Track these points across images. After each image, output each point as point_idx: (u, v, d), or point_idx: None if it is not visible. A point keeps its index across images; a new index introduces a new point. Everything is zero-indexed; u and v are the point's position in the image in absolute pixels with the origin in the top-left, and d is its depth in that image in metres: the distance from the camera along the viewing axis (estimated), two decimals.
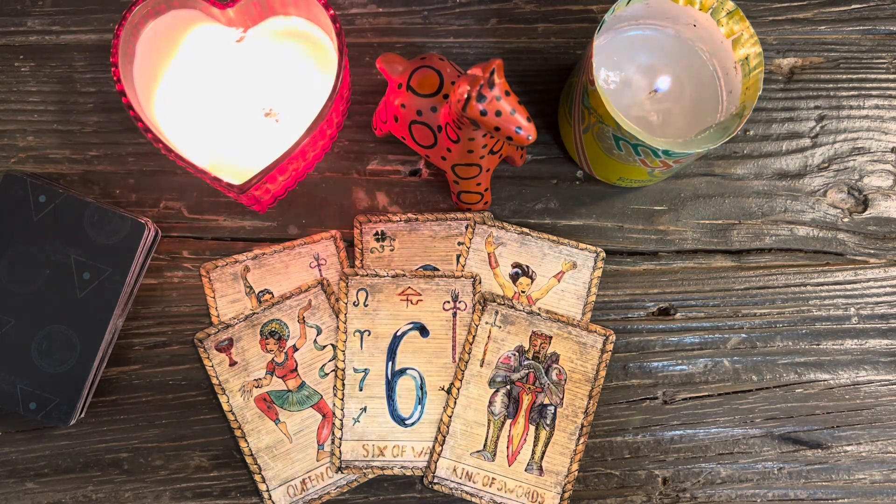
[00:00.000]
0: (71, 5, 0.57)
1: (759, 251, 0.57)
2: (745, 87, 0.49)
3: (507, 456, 0.53)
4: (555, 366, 0.54)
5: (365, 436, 0.53)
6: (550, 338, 0.54)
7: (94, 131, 0.55)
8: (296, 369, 0.53)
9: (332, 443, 0.53)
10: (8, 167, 0.55)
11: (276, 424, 0.53)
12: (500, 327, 0.54)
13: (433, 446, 0.53)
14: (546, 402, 0.53)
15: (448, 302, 0.54)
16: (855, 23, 0.59)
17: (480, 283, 0.54)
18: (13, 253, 0.51)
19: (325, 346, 0.54)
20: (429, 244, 0.55)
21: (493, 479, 0.53)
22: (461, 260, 0.55)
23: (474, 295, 0.54)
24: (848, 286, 0.56)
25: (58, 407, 0.50)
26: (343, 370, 0.53)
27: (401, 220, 0.55)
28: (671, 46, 0.52)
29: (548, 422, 0.53)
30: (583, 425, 0.53)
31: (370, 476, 0.53)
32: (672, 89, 0.51)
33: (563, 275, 0.55)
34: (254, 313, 0.53)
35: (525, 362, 0.54)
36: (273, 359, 0.53)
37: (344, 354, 0.53)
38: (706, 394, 0.55)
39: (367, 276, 0.54)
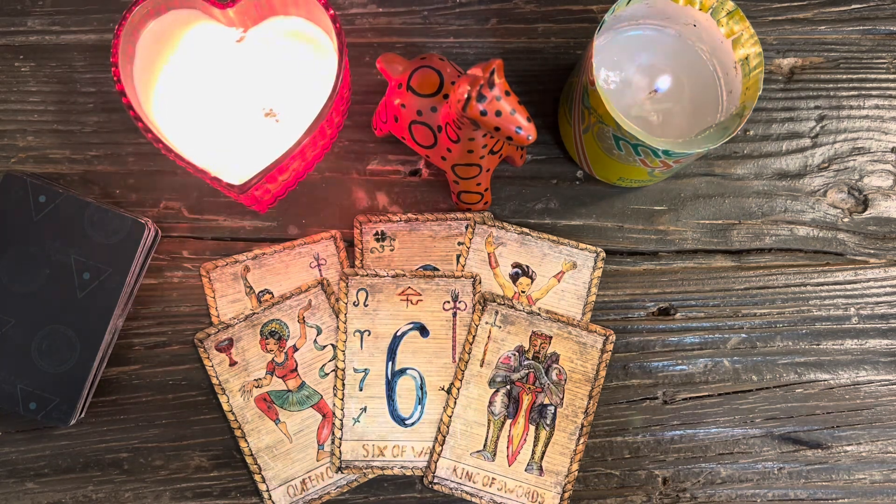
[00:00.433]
0: (71, 5, 0.57)
1: (759, 251, 0.57)
2: (745, 87, 0.49)
3: (507, 456, 0.53)
4: (555, 366, 0.54)
5: (365, 436, 0.53)
6: (550, 338, 0.54)
7: (94, 131, 0.55)
8: (296, 369, 0.53)
9: (332, 443, 0.53)
10: (8, 167, 0.55)
11: (276, 424, 0.53)
12: (500, 327, 0.54)
13: (433, 446, 0.53)
14: (546, 402, 0.53)
15: (448, 302, 0.54)
16: (855, 23, 0.59)
17: (480, 283, 0.54)
18: (13, 253, 0.51)
19: (325, 346, 0.54)
20: (429, 244, 0.55)
21: (493, 479, 0.53)
22: (461, 260, 0.55)
23: (474, 295, 0.54)
24: (848, 286, 0.56)
25: (58, 407, 0.50)
26: (343, 370, 0.53)
27: (401, 220, 0.55)
28: (671, 46, 0.52)
29: (548, 422, 0.53)
30: (583, 425, 0.53)
31: (370, 476, 0.53)
32: (672, 89, 0.51)
33: (563, 275, 0.55)
34: (254, 313, 0.53)
35: (525, 362, 0.54)
36: (273, 359, 0.53)
37: (344, 354, 0.53)
38: (706, 394, 0.55)
39: (367, 276, 0.54)
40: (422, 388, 0.53)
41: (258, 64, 0.52)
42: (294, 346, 0.54)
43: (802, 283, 0.56)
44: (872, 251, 0.57)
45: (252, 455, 0.52)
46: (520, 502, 0.52)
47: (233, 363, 0.53)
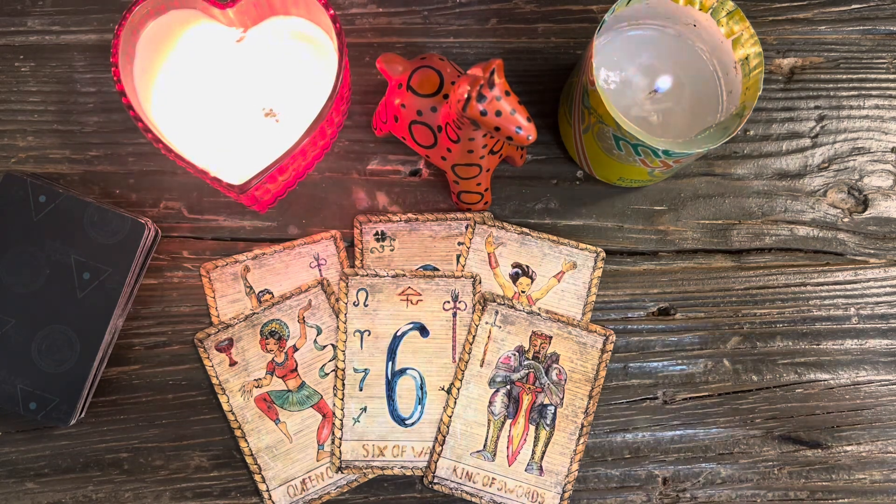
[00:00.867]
0: (71, 5, 0.57)
1: (759, 251, 0.57)
2: (745, 87, 0.49)
3: (507, 456, 0.53)
4: (555, 366, 0.54)
5: (365, 436, 0.53)
6: (550, 338, 0.54)
7: (94, 131, 0.55)
8: (296, 369, 0.53)
9: (332, 443, 0.53)
10: (8, 167, 0.55)
11: (276, 424, 0.53)
12: (500, 327, 0.54)
13: (433, 446, 0.53)
14: (546, 402, 0.53)
15: (448, 302, 0.54)
16: (855, 23, 0.59)
17: (480, 283, 0.54)
18: (13, 253, 0.51)
19: (325, 346, 0.54)
20: (429, 244, 0.55)
21: (493, 479, 0.53)
22: (461, 260, 0.55)
23: (474, 295, 0.54)
24: (848, 286, 0.56)
25: (58, 407, 0.50)
26: (343, 370, 0.53)
27: (401, 220, 0.55)
28: (671, 46, 0.52)
29: (548, 422, 0.53)
30: (583, 425, 0.53)
31: (370, 476, 0.53)
32: (672, 89, 0.51)
33: (563, 275, 0.55)
34: (254, 313, 0.53)
35: (525, 362, 0.54)
36: (273, 359, 0.53)
37: (344, 354, 0.53)
38: (706, 394, 0.55)
39: (367, 276, 0.54)
40: (422, 388, 0.53)
41: (258, 64, 0.52)
42: (294, 346, 0.54)
43: (802, 282, 0.56)
44: (872, 251, 0.57)
45: (252, 455, 0.52)
46: (520, 502, 0.52)
47: (233, 363, 0.53)
